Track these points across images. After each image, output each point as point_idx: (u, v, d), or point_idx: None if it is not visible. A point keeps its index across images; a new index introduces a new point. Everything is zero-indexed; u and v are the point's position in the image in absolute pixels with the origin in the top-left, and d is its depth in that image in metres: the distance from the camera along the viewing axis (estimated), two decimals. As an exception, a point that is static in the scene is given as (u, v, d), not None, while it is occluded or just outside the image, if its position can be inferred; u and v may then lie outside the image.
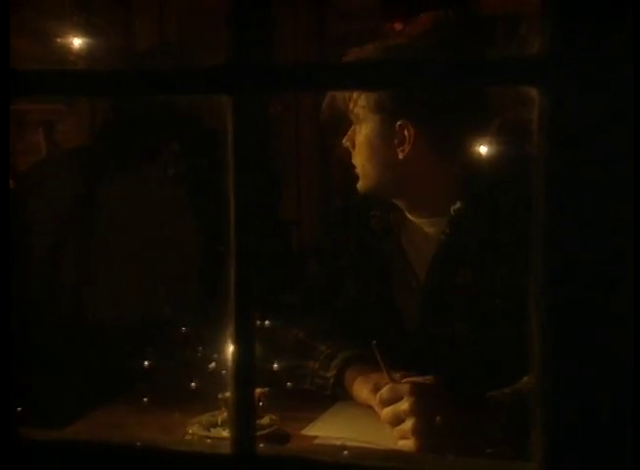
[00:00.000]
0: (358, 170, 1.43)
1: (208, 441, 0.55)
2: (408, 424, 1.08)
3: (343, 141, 1.45)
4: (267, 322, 1.15)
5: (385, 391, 1.15)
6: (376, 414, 1.24)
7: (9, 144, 0.67)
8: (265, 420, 1.17)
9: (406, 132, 1.34)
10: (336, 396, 1.34)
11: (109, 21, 2.74)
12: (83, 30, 2.64)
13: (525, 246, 1.32)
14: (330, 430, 1.24)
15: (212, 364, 1.11)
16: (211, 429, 1.16)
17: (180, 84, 0.66)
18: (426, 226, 1.42)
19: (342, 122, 1.47)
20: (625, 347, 0.51)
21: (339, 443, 1.17)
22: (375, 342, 1.18)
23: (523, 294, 1.30)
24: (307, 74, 0.58)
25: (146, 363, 1.14)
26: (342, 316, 1.46)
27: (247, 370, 0.58)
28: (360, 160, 1.42)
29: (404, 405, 1.09)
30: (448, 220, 1.37)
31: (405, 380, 1.17)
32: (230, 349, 0.54)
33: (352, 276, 1.47)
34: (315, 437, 1.21)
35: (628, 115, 0.48)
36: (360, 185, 1.44)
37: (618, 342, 0.51)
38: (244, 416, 0.58)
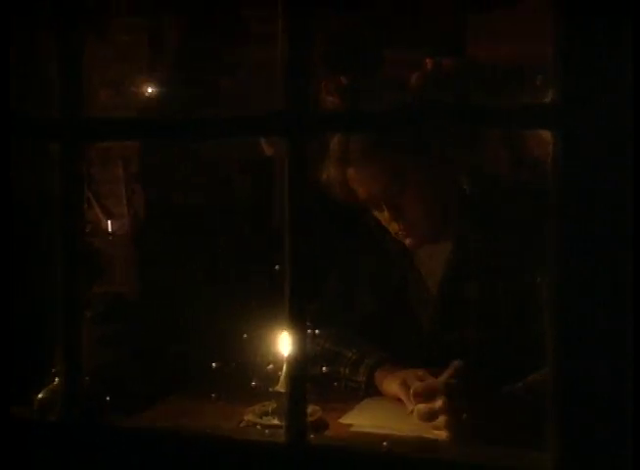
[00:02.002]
0: (405, 230, 1.32)
1: (266, 431, 0.55)
2: (442, 419, 1.06)
3: (393, 225, 1.33)
4: (317, 331, 1.14)
5: (419, 387, 1.13)
6: (401, 406, 1.23)
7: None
8: (309, 410, 1.16)
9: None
10: (367, 395, 1.33)
11: (175, 74, 2.77)
12: (156, 82, 2.68)
13: (522, 261, 1.29)
14: (363, 419, 1.22)
15: (270, 366, 1.10)
16: (263, 417, 1.15)
17: (244, 128, 0.67)
18: (435, 248, 1.38)
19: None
20: (631, 343, 0.49)
21: (371, 430, 1.16)
22: (457, 362, 1.12)
23: (523, 302, 1.28)
24: (354, 119, 0.58)
25: (214, 365, 1.15)
26: (366, 325, 1.43)
27: (300, 370, 0.57)
28: (415, 212, 1.30)
29: (438, 403, 1.07)
30: (454, 243, 1.35)
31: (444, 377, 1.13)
32: (287, 352, 0.54)
33: (374, 290, 1.45)
34: (350, 425, 1.20)
35: (629, 154, 0.47)
36: (414, 242, 1.34)
37: (623, 340, 0.50)
38: (297, 409, 0.58)
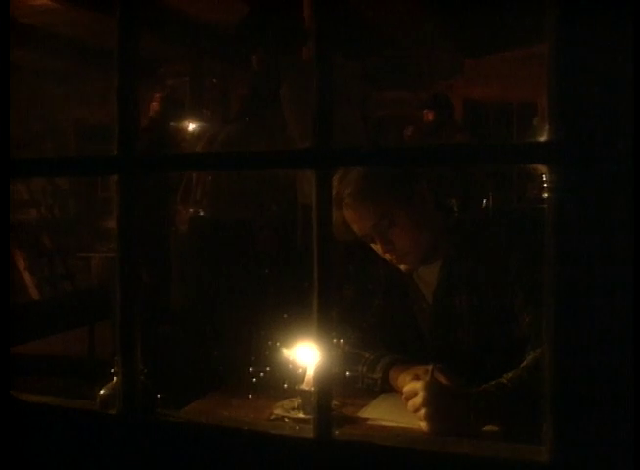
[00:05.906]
0: (399, 256, 1.33)
1: (296, 426, 0.55)
2: (422, 412, 1.06)
3: (387, 256, 1.33)
4: (341, 340, 1.14)
5: (406, 388, 1.14)
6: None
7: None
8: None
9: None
10: (382, 391, 1.32)
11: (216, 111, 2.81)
12: (197, 120, 2.72)
13: (505, 272, 1.30)
14: (378, 414, 1.21)
15: (301, 369, 1.10)
16: (290, 411, 1.15)
17: (277, 161, 0.67)
18: (428, 267, 1.38)
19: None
20: (628, 336, 0.47)
21: (386, 423, 1.14)
22: (432, 365, 1.14)
23: (508, 307, 1.29)
24: (376, 155, 0.58)
25: (251, 369, 1.15)
26: (379, 330, 1.44)
27: (327, 373, 0.57)
28: (404, 243, 1.31)
29: (418, 399, 1.07)
30: (443, 260, 1.36)
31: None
32: (314, 357, 0.54)
33: (383, 301, 1.46)
34: (367, 419, 1.18)
35: (626, 188, 0.46)
36: (408, 268, 1.35)
37: (620, 334, 0.48)
38: (324, 406, 0.57)
